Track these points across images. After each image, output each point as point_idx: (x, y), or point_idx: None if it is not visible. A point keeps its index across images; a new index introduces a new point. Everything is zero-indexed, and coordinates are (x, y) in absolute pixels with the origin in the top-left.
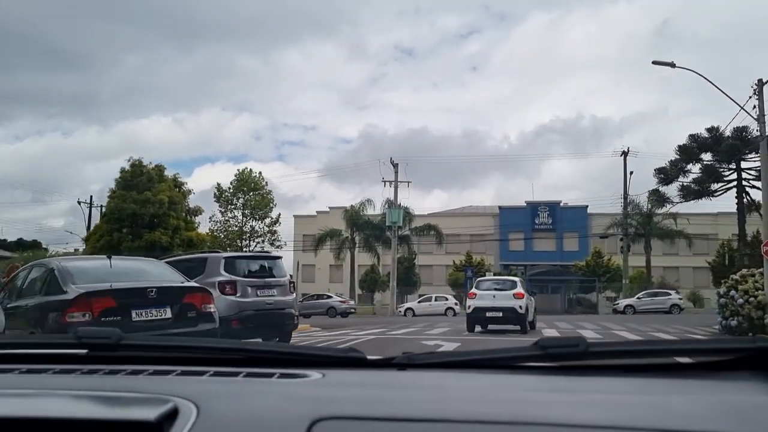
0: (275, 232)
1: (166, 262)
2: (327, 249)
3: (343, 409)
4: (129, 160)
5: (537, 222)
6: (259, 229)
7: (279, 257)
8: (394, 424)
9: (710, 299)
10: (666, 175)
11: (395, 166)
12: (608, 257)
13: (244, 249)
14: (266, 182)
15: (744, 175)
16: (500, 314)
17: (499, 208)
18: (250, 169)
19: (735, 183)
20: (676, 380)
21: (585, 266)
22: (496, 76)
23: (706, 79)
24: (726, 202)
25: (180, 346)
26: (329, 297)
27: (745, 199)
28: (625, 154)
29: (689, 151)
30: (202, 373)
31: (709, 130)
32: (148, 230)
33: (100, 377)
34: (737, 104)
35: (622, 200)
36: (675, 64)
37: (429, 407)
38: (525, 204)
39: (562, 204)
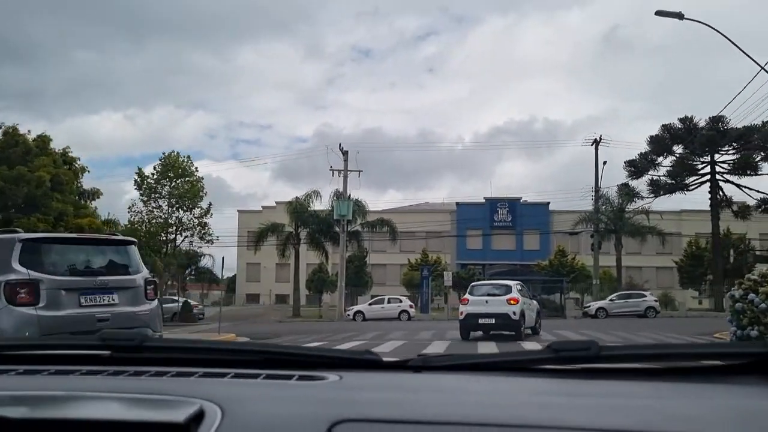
0: (206, 224)
1: None
2: (272, 246)
3: (362, 412)
4: (1, 127)
5: (496, 219)
6: (187, 221)
7: (129, 241)
8: (412, 426)
9: (683, 303)
10: (636, 168)
11: (345, 153)
12: (572, 256)
13: (170, 244)
14: (196, 168)
15: (717, 169)
16: (493, 321)
17: (457, 204)
18: (177, 153)
19: (708, 177)
20: (687, 384)
21: (548, 265)
22: (452, 78)
23: (719, 32)
24: (689, 198)
25: (201, 348)
26: (175, 301)
27: (718, 195)
28: (597, 142)
29: (661, 142)
30: (223, 375)
31: (682, 120)
32: (21, 215)
33: (125, 378)
34: (757, 64)
35: (593, 193)
36: (683, 15)
37: (445, 410)
38: (483, 200)
39: (522, 200)
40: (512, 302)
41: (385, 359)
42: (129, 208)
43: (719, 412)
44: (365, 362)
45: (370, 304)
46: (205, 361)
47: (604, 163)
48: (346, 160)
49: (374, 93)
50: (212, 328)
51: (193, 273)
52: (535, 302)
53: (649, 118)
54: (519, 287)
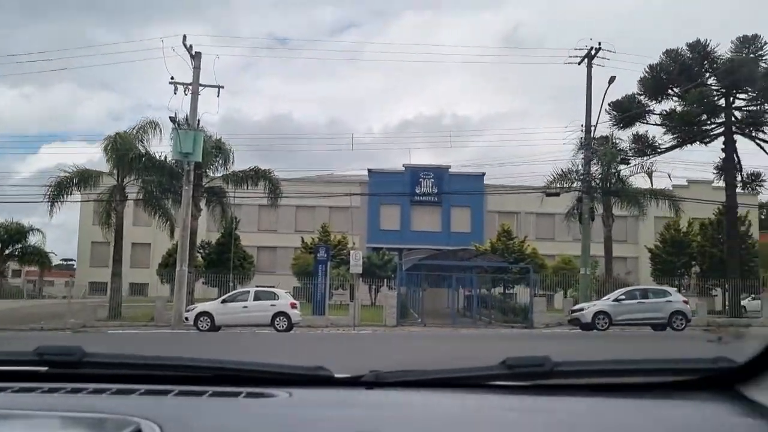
0: None
1: None
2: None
3: (312, 429)
4: None
5: (418, 192)
6: None
7: None
8: None
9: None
10: (625, 111)
11: (194, 56)
12: (522, 239)
13: None
14: None
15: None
16: None
17: (369, 172)
18: None
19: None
20: (640, 400)
21: (489, 250)
22: (366, 70)
23: None
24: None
25: (145, 364)
26: None
27: (734, 154)
28: (589, 57)
29: (663, 74)
30: (167, 392)
31: (691, 45)
32: None
33: (61, 396)
34: None
35: (582, 133)
36: None
37: (398, 427)
38: (403, 168)
39: (451, 170)
40: None
41: (336, 375)
42: None
43: (671, 427)
44: (317, 378)
45: (223, 302)
46: (148, 378)
47: (611, 80)
48: (197, 68)
49: (289, 81)
50: None
51: (17, 253)
52: None
53: (555, 117)
54: None
